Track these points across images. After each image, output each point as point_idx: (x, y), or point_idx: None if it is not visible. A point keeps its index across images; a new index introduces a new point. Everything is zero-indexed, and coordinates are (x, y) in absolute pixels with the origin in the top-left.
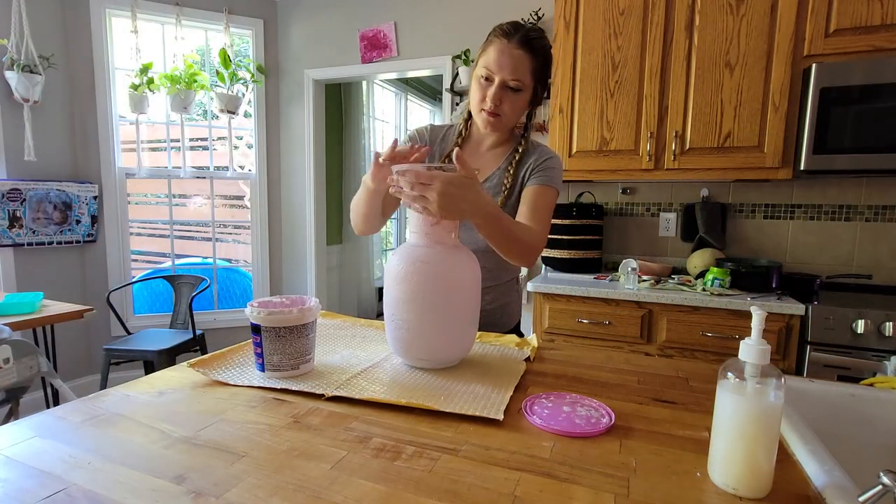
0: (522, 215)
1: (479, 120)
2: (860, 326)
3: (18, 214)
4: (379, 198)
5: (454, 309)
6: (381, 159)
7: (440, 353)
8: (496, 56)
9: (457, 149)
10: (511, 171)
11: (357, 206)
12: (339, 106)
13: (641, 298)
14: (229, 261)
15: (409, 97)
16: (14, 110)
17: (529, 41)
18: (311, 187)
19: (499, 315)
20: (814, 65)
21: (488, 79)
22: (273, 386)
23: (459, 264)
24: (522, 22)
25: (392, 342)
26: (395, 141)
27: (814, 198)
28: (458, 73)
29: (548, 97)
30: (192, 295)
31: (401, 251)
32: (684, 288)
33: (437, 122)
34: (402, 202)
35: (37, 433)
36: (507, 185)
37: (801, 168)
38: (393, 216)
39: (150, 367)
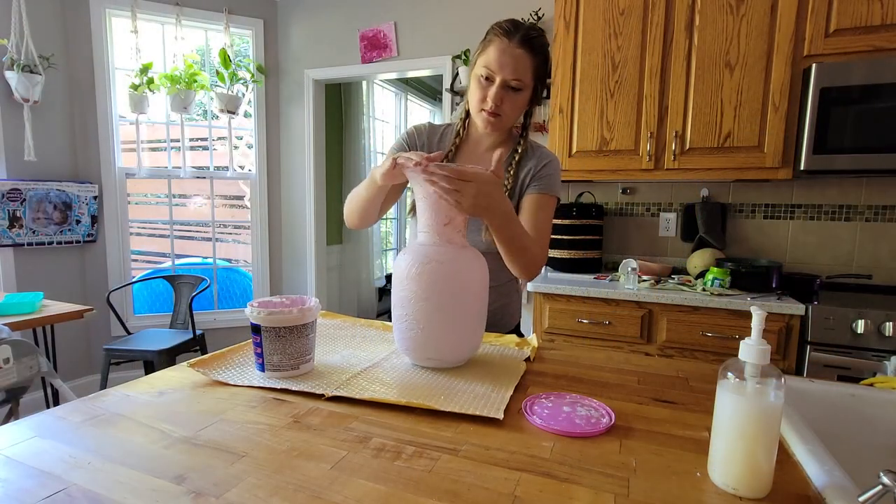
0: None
1: (479, 120)
2: (860, 326)
3: (18, 214)
4: (383, 193)
5: (464, 308)
6: (398, 160)
7: (449, 353)
8: (497, 55)
9: (499, 150)
10: (511, 172)
11: (357, 197)
12: (339, 106)
13: (641, 298)
14: (229, 261)
15: (409, 97)
16: (14, 110)
17: (530, 40)
18: (311, 187)
19: (499, 315)
20: (814, 65)
21: (489, 78)
22: (273, 386)
23: (469, 264)
24: (520, 20)
25: (400, 341)
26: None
27: (814, 198)
28: (458, 73)
29: (548, 97)
30: (192, 295)
31: (410, 250)
32: (684, 288)
33: (437, 122)
34: (411, 190)
35: (37, 433)
36: (508, 187)
37: (801, 168)
38: (393, 217)
39: (150, 367)
